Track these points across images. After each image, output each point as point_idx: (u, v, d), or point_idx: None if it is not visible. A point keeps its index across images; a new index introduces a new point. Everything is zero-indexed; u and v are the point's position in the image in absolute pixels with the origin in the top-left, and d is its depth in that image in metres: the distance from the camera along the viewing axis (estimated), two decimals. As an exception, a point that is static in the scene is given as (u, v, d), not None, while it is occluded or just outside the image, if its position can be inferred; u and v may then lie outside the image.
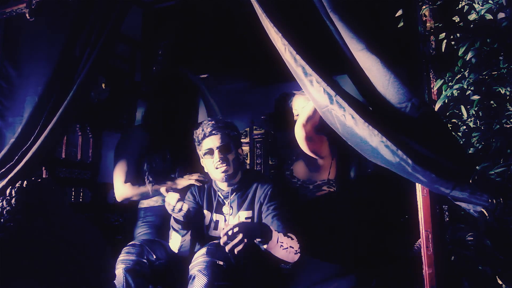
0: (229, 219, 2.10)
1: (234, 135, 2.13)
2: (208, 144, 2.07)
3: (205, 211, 2.16)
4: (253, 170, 2.33)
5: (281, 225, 1.97)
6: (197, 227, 2.10)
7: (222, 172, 2.05)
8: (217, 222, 2.12)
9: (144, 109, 2.73)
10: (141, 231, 2.45)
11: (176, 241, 2.01)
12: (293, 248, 1.90)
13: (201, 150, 2.11)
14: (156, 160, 2.44)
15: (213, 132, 2.07)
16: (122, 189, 2.41)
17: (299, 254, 1.93)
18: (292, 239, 1.92)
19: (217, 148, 2.05)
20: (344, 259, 2.08)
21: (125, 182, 2.40)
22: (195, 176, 2.26)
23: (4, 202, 1.44)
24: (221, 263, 1.78)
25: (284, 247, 1.87)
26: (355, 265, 2.09)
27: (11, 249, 1.34)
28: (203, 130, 2.09)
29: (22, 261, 1.34)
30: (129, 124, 3.07)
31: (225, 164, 2.04)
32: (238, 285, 1.83)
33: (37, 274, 1.34)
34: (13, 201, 1.44)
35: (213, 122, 2.10)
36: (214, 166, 2.06)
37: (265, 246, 1.84)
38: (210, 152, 2.07)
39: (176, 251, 2.03)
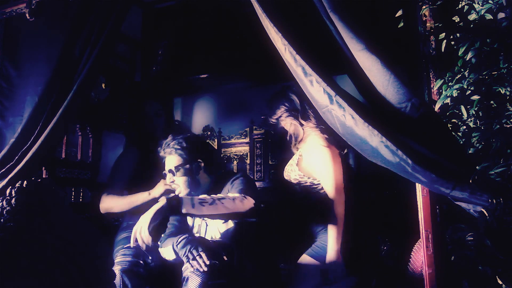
0: (208, 223, 2.12)
1: (184, 155, 2.07)
2: (167, 165, 2.09)
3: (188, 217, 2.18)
4: (227, 172, 2.32)
5: (242, 187, 1.98)
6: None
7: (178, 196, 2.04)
8: (199, 226, 2.15)
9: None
10: (123, 235, 2.40)
11: (171, 255, 2.01)
12: (234, 200, 1.86)
13: (165, 169, 2.11)
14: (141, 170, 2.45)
15: (166, 153, 2.09)
16: (103, 201, 2.39)
17: (246, 200, 1.87)
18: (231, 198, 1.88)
19: (169, 171, 2.07)
20: (346, 259, 2.08)
21: (108, 194, 2.39)
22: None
23: (4, 202, 1.43)
24: (214, 261, 1.78)
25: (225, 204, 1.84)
26: (355, 265, 2.09)
27: (11, 249, 1.34)
28: (163, 149, 2.10)
29: (22, 261, 1.34)
30: (129, 124, 3.07)
31: (179, 186, 2.06)
32: (233, 282, 1.83)
33: (37, 274, 1.34)
34: (13, 201, 1.43)
35: (168, 140, 2.11)
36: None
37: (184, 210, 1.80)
38: (169, 172, 2.09)
39: (169, 259, 2.01)
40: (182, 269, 1.82)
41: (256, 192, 2.04)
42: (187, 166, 2.06)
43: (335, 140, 2.13)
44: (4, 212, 1.40)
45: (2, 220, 1.38)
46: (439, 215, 1.56)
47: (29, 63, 2.27)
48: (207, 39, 3.13)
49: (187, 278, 1.76)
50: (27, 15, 2.25)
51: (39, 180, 1.64)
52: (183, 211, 1.77)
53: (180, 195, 2.06)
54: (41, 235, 1.40)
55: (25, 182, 1.57)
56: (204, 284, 1.73)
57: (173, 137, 2.11)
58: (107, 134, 2.92)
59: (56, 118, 2.01)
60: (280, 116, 2.24)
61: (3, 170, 2.01)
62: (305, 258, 2.10)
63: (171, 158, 2.08)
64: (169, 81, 3.26)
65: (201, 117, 3.51)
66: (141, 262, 1.99)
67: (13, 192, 1.46)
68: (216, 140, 3.37)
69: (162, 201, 1.78)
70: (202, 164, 2.11)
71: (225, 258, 1.81)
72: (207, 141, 3.29)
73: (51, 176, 2.45)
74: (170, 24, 3.25)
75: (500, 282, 1.41)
